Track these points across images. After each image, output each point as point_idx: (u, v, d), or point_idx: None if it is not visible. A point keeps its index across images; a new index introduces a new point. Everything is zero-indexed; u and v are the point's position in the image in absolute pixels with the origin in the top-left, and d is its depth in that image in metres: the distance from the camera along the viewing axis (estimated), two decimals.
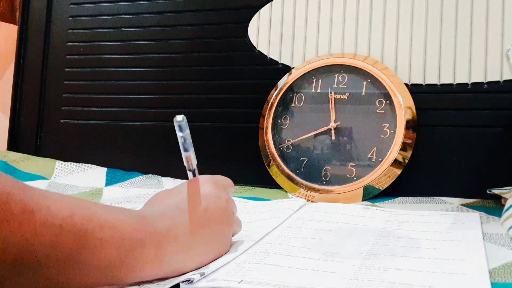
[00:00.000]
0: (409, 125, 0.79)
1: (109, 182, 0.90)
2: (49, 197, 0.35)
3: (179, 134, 0.44)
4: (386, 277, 0.39)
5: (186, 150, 0.45)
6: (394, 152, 0.78)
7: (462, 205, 0.72)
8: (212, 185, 0.49)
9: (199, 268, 0.43)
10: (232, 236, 0.50)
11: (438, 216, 0.61)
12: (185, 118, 0.43)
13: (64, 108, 1.06)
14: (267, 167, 0.87)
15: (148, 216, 0.42)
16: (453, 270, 0.41)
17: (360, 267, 0.42)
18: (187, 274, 0.41)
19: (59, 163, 0.96)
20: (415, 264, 0.43)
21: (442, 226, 0.56)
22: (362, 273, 0.40)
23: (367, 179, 0.78)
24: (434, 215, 0.62)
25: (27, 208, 0.33)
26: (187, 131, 0.45)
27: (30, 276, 0.34)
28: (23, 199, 0.33)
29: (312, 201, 0.79)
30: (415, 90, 0.82)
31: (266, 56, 0.92)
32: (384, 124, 0.80)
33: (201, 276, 0.40)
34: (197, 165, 0.46)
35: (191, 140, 0.45)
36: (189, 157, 0.46)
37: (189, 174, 0.47)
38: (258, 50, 0.93)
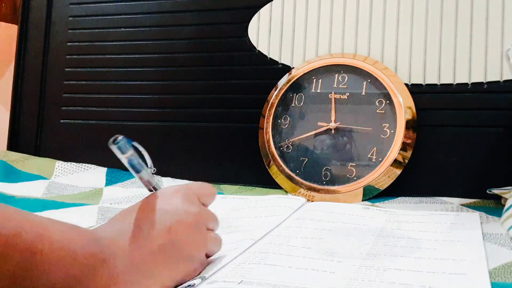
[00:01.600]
0: (409, 125, 0.79)
1: (109, 182, 0.90)
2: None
3: (121, 157, 0.39)
4: (386, 277, 0.39)
5: (137, 171, 0.41)
6: (394, 152, 0.78)
7: (462, 205, 0.72)
8: (181, 198, 0.43)
9: None
10: (208, 256, 0.45)
11: (438, 216, 0.61)
12: (123, 138, 0.38)
13: (64, 108, 1.06)
14: (267, 167, 0.87)
15: (103, 238, 0.38)
16: (453, 270, 0.41)
17: (360, 267, 0.42)
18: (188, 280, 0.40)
19: (59, 163, 0.96)
20: (415, 264, 0.43)
21: (442, 226, 0.56)
22: (362, 273, 0.40)
23: (367, 179, 0.78)
24: (434, 215, 0.62)
25: None
26: (130, 151, 0.39)
27: None
28: None
29: (312, 201, 0.79)
30: (415, 90, 0.82)
31: (266, 56, 0.92)
32: (384, 124, 0.80)
33: (202, 280, 0.40)
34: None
35: (138, 159, 0.40)
36: (142, 178, 0.41)
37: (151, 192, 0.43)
38: (258, 50, 0.93)
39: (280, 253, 0.46)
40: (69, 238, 0.35)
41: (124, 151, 0.38)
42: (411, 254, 0.45)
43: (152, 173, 0.42)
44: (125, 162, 0.39)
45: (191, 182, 0.44)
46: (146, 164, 0.41)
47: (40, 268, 0.33)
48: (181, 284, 0.40)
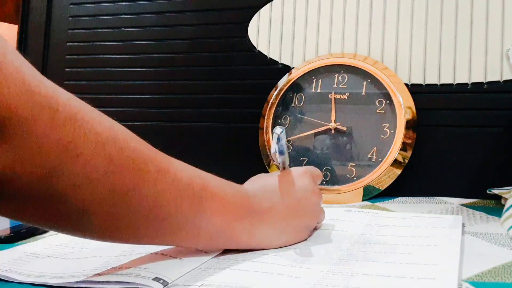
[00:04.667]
0: (409, 125, 0.79)
1: None
2: (174, 163, 0.42)
3: (277, 144, 0.50)
4: (352, 283, 0.39)
5: (282, 153, 0.51)
6: (394, 152, 0.78)
7: (462, 205, 0.72)
8: (309, 178, 0.53)
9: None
10: (316, 225, 0.55)
11: (420, 219, 0.60)
12: (284, 130, 0.49)
13: None
14: (267, 167, 0.87)
15: (250, 194, 0.48)
16: (423, 275, 0.40)
17: (328, 272, 0.41)
18: (145, 280, 0.40)
19: None
20: (384, 269, 0.42)
21: (422, 230, 0.55)
22: (328, 279, 0.40)
23: (367, 179, 0.78)
24: (417, 217, 0.61)
25: (160, 169, 0.39)
26: (284, 141, 0.50)
27: (157, 228, 0.40)
28: (157, 162, 0.40)
29: None
30: (415, 90, 0.82)
31: (266, 56, 0.93)
32: (384, 124, 0.80)
33: (164, 286, 0.39)
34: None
35: (285, 147, 0.51)
36: (283, 160, 0.51)
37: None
38: (258, 50, 0.93)
39: (250, 260, 0.45)
40: (226, 191, 0.45)
41: (282, 139, 0.49)
42: (383, 259, 0.45)
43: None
44: (276, 147, 0.50)
45: (308, 166, 0.57)
46: (286, 151, 0.52)
47: (204, 212, 0.42)
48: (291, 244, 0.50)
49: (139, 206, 0.38)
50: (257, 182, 0.51)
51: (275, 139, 0.49)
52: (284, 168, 0.52)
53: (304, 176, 0.53)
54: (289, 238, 0.50)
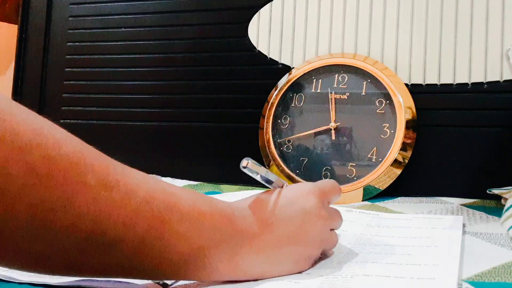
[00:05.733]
0: (409, 125, 0.79)
1: None
2: (130, 174, 0.34)
3: (256, 177, 0.41)
4: (352, 285, 0.39)
5: (270, 183, 0.43)
6: (394, 152, 0.78)
7: (462, 205, 0.71)
8: (316, 199, 0.43)
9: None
10: (326, 251, 0.46)
11: (421, 220, 0.60)
12: (249, 159, 0.40)
13: (64, 108, 1.06)
14: (267, 167, 0.87)
15: (236, 215, 0.39)
16: (422, 275, 0.40)
17: (328, 276, 0.41)
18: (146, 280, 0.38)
19: None
20: (384, 270, 0.42)
21: (423, 231, 0.55)
22: (328, 282, 0.39)
23: (367, 179, 0.78)
24: (417, 218, 0.61)
25: (104, 183, 0.31)
26: (261, 168, 0.41)
27: (100, 257, 0.32)
28: (101, 172, 0.32)
29: None
30: (415, 90, 0.82)
31: (266, 56, 0.92)
32: (384, 124, 0.80)
33: (163, 287, 0.39)
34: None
35: (269, 174, 0.42)
36: (276, 186, 0.43)
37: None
38: (258, 50, 0.93)
39: None
40: (199, 211, 0.36)
41: (254, 172, 0.40)
42: (383, 260, 0.45)
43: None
44: (261, 180, 0.42)
45: (321, 181, 0.47)
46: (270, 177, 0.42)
47: (167, 238, 0.34)
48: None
49: (73, 229, 0.30)
50: (249, 200, 0.42)
51: (250, 173, 0.41)
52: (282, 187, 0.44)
53: (309, 195, 0.43)
54: (284, 268, 0.41)
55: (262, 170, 0.41)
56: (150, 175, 0.36)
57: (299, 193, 0.43)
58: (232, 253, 0.37)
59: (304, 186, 0.44)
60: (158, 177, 0.93)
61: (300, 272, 0.42)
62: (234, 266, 0.38)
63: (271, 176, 0.42)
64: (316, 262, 0.44)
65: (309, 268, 0.43)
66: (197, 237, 0.35)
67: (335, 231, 0.46)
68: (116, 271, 0.33)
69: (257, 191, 0.46)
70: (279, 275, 0.40)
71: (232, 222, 0.38)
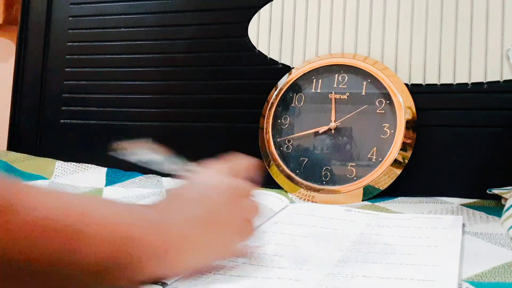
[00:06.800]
0: (409, 125, 0.79)
1: (109, 182, 0.90)
2: (29, 193, 0.33)
3: None
4: (352, 285, 0.39)
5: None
6: (394, 152, 0.78)
7: (462, 205, 0.71)
8: (226, 187, 0.45)
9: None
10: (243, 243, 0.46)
11: (421, 220, 0.60)
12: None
13: (64, 108, 1.06)
14: (267, 167, 0.87)
15: (147, 210, 0.40)
16: (423, 276, 0.40)
17: (328, 275, 0.41)
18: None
19: (59, 163, 0.96)
20: (385, 270, 0.42)
21: (423, 231, 0.55)
22: (328, 281, 0.39)
23: (367, 179, 0.78)
24: (417, 218, 0.61)
25: (3, 207, 0.30)
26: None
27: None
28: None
29: (312, 201, 0.79)
30: (415, 90, 0.82)
31: (266, 56, 0.92)
32: (384, 124, 0.80)
33: (163, 287, 0.38)
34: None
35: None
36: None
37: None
38: (258, 50, 0.93)
39: (250, 263, 0.45)
40: (110, 215, 0.37)
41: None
42: (383, 260, 0.45)
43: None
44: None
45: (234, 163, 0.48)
46: None
47: (83, 247, 0.34)
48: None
49: None
50: (167, 194, 0.44)
51: None
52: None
53: (218, 188, 0.45)
54: (199, 255, 0.41)
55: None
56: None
57: (210, 182, 0.45)
58: (155, 248, 0.38)
59: (212, 183, 0.45)
60: (158, 177, 0.93)
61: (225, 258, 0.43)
62: (161, 261, 0.38)
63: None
64: (243, 251, 0.45)
65: (226, 257, 0.44)
66: (112, 238, 0.35)
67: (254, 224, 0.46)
68: None
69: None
70: (205, 262, 0.41)
71: (143, 218, 0.39)
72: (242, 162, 0.48)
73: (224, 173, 0.46)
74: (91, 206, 0.36)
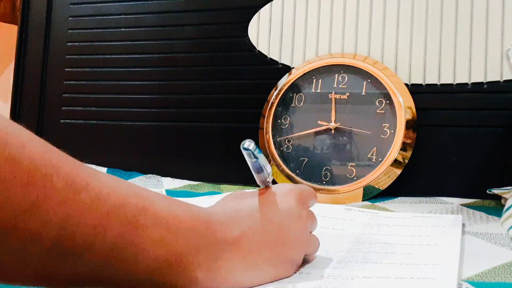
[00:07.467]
0: (409, 125, 0.79)
1: None
2: (100, 178, 0.32)
3: (251, 160, 0.40)
4: (352, 286, 0.39)
5: (259, 172, 0.41)
6: (394, 152, 0.78)
7: (462, 205, 0.71)
8: (295, 199, 0.42)
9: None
10: (307, 257, 0.44)
11: (421, 219, 0.60)
12: (253, 142, 0.39)
13: (64, 108, 1.06)
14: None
15: (213, 219, 0.37)
16: (423, 275, 0.40)
17: (328, 276, 0.41)
18: None
19: None
20: (385, 270, 0.42)
21: (422, 230, 0.55)
22: (328, 283, 0.39)
23: (367, 179, 0.78)
24: (417, 217, 0.61)
25: (72, 185, 0.29)
26: (262, 156, 0.40)
27: (70, 264, 0.30)
28: (69, 174, 0.30)
29: None
30: (415, 90, 0.82)
31: (266, 56, 0.92)
32: (384, 124, 0.80)
33: None
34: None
35: (262, 162, 0.40)
36: (260, 178, 0.42)
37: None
38: (258, 50, 0.93)
39: None
40: (174, 216, 0.34)
41: (253, 156, 0.39)
42: (383, 260, 0.44)
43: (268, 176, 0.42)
44: (251, 164, 0.40)
45: (297, 184, 0.46)
46: (264, 166, 0.41)
47: (141, 243, 0.32)
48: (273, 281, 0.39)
49: (40, 236, 0.28)
50: (227, 203, 0.41)
51: (247, 156, 0.39)
52: (265, 184, 0.42)
53: (288, 196, 0.42)
54: (266, 274, 0.39)
55: (262, 158, 0.40)
56: (125, 180, 0.35)
57: (279, 194, 0.42)
58: (212, 260, 0.36)
59: (282, 187, 0.43)
60: (158, 177, 0.93)
61: (282, 278, 0.40)
62: (214, 274, 0.36)
63: (268, 168, 0.41)
64: (299, 267, 0.42)
65: (292, 274, 0.41)
66: (173, 243, 0.34)
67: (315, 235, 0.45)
68: (90, 279, 0.31)
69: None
70: (262, 282, 0.38)
71: (210, 227, 0.36)
72: (305, 187, 0.46)
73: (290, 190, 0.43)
74: (153, 200, 0.34)
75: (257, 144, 0.39)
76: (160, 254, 0.33)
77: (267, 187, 0.42)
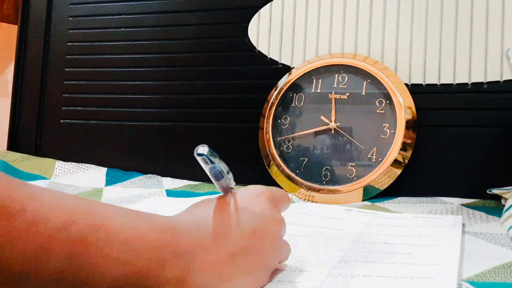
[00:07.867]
0: (409, 125, 0.79)
1: (109, 182, 0.90)
2: (41, 197, 0.29)
3: (206, 167, 0.37)
4: (352, 285, 0.39)
5: (218, 179, 0.38)
6: (394, 152, 0.78)
7: (462, 205, 0.72)
8: (267, 201, 0.40)
9: None
10: (278, 264, 0.42)
11: (421, 219, 0.60)
12: (207, 147, 0.36)
13: (64, 108, 1.06)
14: (267, 167, 0.87)
15: (179, 228, 0.34)
16: (423, 274, 0.40)
17: (328, 275, 0.41)
18: None
19: (59, 163, 0.96)
20: (385, 270, 0.42)
21: (422, 230, 0.55)
22: (328, 281, 0.39)
23: (367, 179, 0.78)
24: (417, 218, 0.61)
25: (4, 211, 0.27)
26: (216, 159, 0.36)
27: None
28: (1, 196, 0.27)
29: (312, 201, 0.79)
30: (415, 90, 0.82)
31: (266, 56, 0.92)
32: (384, 124, 0.80)
33: None
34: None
35: (220, 167, 0.37)
36: (221, 186, 0.38)
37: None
38: (258, 50, 0.93)
39: None
40: (132, 231, 0.31)
41: (209, 162, 0.36)
42: (383, 260, 0.45)
43: (229, 180, 0.39)
44: (208, 171, 0.37)
45: (269, 186, 0.43)
46: (223, 171, 0.38)
47: (95, 263, 0.29)
48: None
49: None
50: (194, 210, 0.38)
51: (202, 162, 0.36)
52: (229, 191, 0.39)
53: (259, 198, 0.39)
54: (241, 282, 0.36)
55: (220, 163, 0.37)
56: (72, 195, 0.33)
57: (249, 196, 0.39)
58: (180, 272, 0.33)
59: (253, 189, 0.41)
60: (158, 177, 0.93)
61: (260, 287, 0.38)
62: (185, 286, 0.33)
63: (230, 173, 0.38)
64: (273, 274, 0.40)
65: (268, 282, 0.39)
66: (133, 261, 0.31)
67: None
68: None
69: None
70: None
71: (176, 238, 0.33)
72: (277, 189, 0.43)
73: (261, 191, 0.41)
74: (106, 214, 0.31)
75: (213, 149, 0.36)
76: (119, 274, 0.30)
77: (231, 192, 0.39)
